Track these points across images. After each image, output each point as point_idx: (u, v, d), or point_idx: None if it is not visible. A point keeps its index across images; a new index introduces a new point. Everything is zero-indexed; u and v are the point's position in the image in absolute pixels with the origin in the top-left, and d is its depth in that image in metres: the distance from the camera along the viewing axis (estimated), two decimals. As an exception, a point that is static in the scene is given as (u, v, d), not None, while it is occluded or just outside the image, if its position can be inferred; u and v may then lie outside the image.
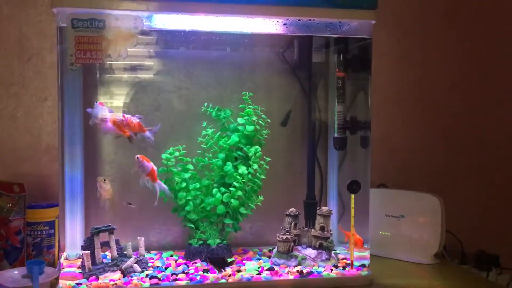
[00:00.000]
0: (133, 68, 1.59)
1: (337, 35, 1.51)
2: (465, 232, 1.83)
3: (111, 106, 1.57)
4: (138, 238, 1.45)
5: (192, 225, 1.54)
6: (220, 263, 1.42)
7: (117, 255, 1.39)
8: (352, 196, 1.43)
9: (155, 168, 1.46)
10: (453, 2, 1.92)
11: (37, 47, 1.63)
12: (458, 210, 1.84)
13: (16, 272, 1.34)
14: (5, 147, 1.61)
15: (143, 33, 1.38)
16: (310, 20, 1.39)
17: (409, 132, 1.90)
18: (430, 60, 1.91)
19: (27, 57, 1.62)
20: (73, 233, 1.48)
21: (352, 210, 1.43)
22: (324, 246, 1.49)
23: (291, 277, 1.38)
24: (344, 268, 1.45)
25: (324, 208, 1.52)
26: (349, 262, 1.46)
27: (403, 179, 1.85)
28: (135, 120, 1.45)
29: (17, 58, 1.62)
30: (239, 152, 1.57)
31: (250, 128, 1.56)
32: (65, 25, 1.25)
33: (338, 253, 1.58)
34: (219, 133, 1.58)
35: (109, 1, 1.26)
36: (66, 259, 1.38)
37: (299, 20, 1.39)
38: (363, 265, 1.46)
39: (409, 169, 1.89)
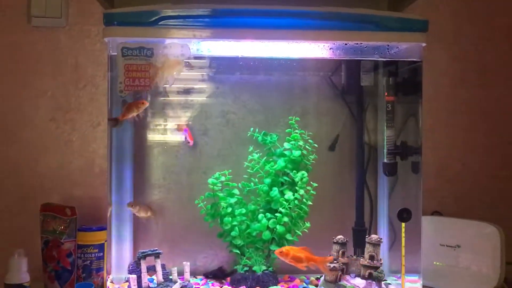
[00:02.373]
0: (181, 93, 1.62)
1: (386, 59, 1.47)
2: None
3: (160, 129, 1.62)
4: (184, 263, 1.45)
5: (238, 251, 1.52)
6: (220, 275, 1.43)
7: (162, 280, 1.40)
8: (403, 224, 1.37)
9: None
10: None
11: (91, 74, 1.69)
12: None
13: (66, 294, 1.38)
14: (60, 170, 1.68)
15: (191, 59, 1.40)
16: (357, 44, 1.37)
17: (468, 158, 1.81)
18: (491, 82, 1.82)
19: (82, 84, 1.69)
20: (120, 257, 1.50)
21: (403, 239, 1.37)
22: (374, 276, 1.43)
23: (338, 308, 1.33)
24: (395, 300, 1.38)
25: (374, 236, 1.47)
26: (401, 294, 1.39)
27: (460, 207, 1.75)
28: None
29: (73, 85, 1.69)
30: (285, 177, 1.55)
31: (296, 153, 1.54)
32: (115, 53, 1.29)
33: (389, 284, 1.52)
34: (265, 158, 1.57)
35: (157, 30, 1.30)
36: (112, 282, 1.40)
37: (345, 44, 1.37)
38: (415, 297, 1.39)
39: (467, 197, 1.80)
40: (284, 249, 1.40)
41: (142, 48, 1.29)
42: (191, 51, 1.32)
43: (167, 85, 1.31)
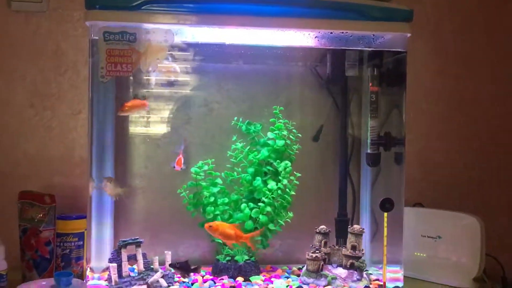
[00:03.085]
0: (164, 82, 1.60)
1: (371, 48, 1.47)
2: (507, 255, 1.72)
3: (142, 121, 1.59)
4: (165, 252, 1.43)
5: (220, 240, 1.51)
6: (185, 268, 1.42)
7: (143, 269, 1.38)
8: (385, 214, 1.38)
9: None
10: (495, 13, 1.85)
11: (73, 60, 1.66)
12: (500, 232, 1.75)
13: (44, 283, 1.35)
14: (39, 157, 1.64)
15: (174, 46, 1.38)
16: (342, 33, 1.36)
17: (448, 149, 1.83)
18: (470, 74, 1.84)
19: (63, 70, 1.66)
20: (100, 246, 1.48)
21: (385, 230, 1.37)
22: (356, 266, 1.43)
23: (320, 297, 1.33)
24: (376, 289, 1.39)
25: (356, 226, 1.47)
26: (382, 283, 1.40)
27: (440, 198, 1.77)
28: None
29: (54, 71, 1.66)
30: (268, 167, 1.54)
31: (280, 142, 1.53)
32: (97, 38, 1.26)
33: (371, 274, 1.52)
34: (248, 147, 1.56)
35: (140, 15, 1.27)
36: (91, 271, 1.38)
37: (331, 33, 1.36)
38: (396, 287, 1.39)
39: (448, 188, 1.82)
40: (213, 224, 1.40)
41: (125, 32, 1.26)
42: (174, 37, 1.29)
43: (150, 71, 1.28)
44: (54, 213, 1.47)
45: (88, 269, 1.38)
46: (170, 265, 1.43)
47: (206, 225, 1.40)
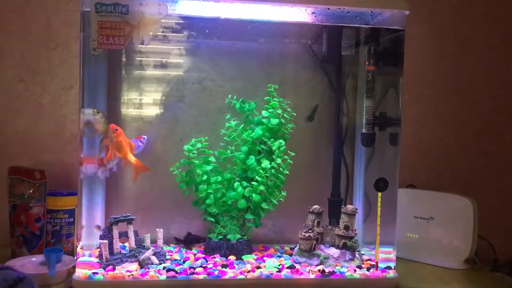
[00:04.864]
0: (157, 58, 1.57)
1: (369, 25, 1.45)
2: (499, 237, 1.73)
3: (134, 98, 1.56)
4: (157, 229, 1.42)
5: (212, 219, 1.50)
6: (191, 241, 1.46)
7: (135, 246, 1.37)
8: (379, 194, 1.37)
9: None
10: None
11: (64, 35, 1.62)
12: (492, 214, 1.75)
13: (34, 259, 1.34)
14: (29, 134, 1.62)
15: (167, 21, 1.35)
16: (340, 9, 1.34)
17: (442, 131, 1.82)
18: (466, 57, 1.83)
19: (54, 45, 1.62)
20: (91, 223, 1.46)
21: (379, 209, 1.37)
22: (348, 246, 1.43)
23: (312, 276, 1.33)
24: (368, 269, 1.38)
25: (349, 207, 1.47)
26: (374, 263, 1.39)
27: (434, 179, 1.77)
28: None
29: (44, 46, 1.62)
30: (262, 146, 1.53)
31: (274, 121, 1.52)
32: (89, 9, 1.23)
33: (363, 254, 1.52)
34: (242, 125, 1.54)
35: (133, -14, 1.24)
36: (81, 248, 1.37)
37: (328, 9, 1.34)
38: (388, 267, 1.39)
39: (441, 170, 1.82)
40: (119, 130, 1.41)
41: (117, 4, 1.23)
42: (168, 10, 1.26)
43: (143, 45, 1.25)
44: (44, 189, 1.45)
45: (79, 246, 1.37)
46: (183, 241, 1.45)
47: (112, 125, 1.40)
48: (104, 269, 1.28)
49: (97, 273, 1.26)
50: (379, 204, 1.37)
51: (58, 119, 1.63)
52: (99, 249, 1.34)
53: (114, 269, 1.29)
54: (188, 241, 1.52)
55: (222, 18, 1.43)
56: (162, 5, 1.25)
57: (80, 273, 1.26)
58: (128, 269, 1.29)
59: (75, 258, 1.34)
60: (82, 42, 1.28)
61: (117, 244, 1.34)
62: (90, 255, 1.38)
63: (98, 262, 1.32)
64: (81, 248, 1.36)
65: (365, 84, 1.50)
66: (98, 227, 1.44)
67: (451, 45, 1.81)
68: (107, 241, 1.32)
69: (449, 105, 1.83)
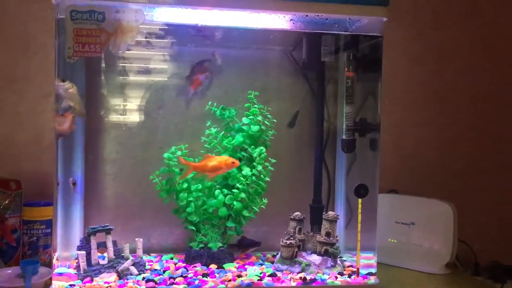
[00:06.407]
0: (137, 66, 1.55)
1: (347, 32, 1.45)
2: (479, 241, 1.74)
3: (114, 105, 1.54)
4: (136, 239, 1.40)
5: (193, 228, 1.49)
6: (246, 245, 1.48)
7: (114, 257, 1.35)
8: (360, 200, 1.37)
9: None
10: (471, 2, 1.85)
11: (41, 42, 1.60)
12: (472, 219, 1.76)
13: (9, 272, 1.31)
14: (6, 143, 1.59)
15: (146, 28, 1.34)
16: (318, 16, 1.34)
17: (423, 136, 1.83)
18: (446, 62, 1.84)
19: (32, 52, 1.60)
20: (69, 234, 1.43)
21: (359, 215, 1.37)
22: (330, 253, 1.43)
23: (293, 284, 1.32)
24: (350, 276, 1.38)
25: (331, 213, 1.46)
26: (356, 269, 1.39)
27: (415, 185, 1.78)
28: None
29: (22, 53, 1.60)
30: (243, 153, 1.52)
31: (255, 128, 1.51)
32: (64, 17, 1.21)
33: (345, 260, 1.52)
34: (223, 132, 1.53)
35: (110, -7, 1.23)
36: (57, 259, 1.34)
37: (306, 15, 1.34)
38: (370, 273, 1.39)
39: (422, 175, 1.82)
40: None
41: (93, 11, 1.21)
42: (145, 17, 1.25)
43: (120, 52, 1.24)
44: (20, 199, 1.42)
45: (54, 257, 1.34)
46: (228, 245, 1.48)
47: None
48: (82, 280, 1.26)
49: (74, 285, 1.24)
50: (359, 210, 1.37)
51: (35, 128, 1.60)
52: (76, 260, 1.31)
53: (92, 280, 1.26)
54: (242, 246, 1.51)
55: (200, 26, 1.42)
56: (139, 12, 1.24)
57: (57, 285, 1.23)
58: (107, 280, 1.27)
59: (52, 269, 1.31)
60: (57, 50, 1.26)
61: (95, 255, 1.32)
62: (68, 267, 1.36)
63: (76, 273, 1.30)
64: (57, 259, 1.33)
65: (345, 90, 1.50)
66: (74, 182, 1.40)
67: (431, 50, 1.83)
68: (84, 252, 1.30)
69: (429, 110, 1.84)
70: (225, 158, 1.43)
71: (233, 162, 1.43)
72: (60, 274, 1.29)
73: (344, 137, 1.51)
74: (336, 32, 1.48)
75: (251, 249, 1.51)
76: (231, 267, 1.42)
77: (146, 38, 1.51)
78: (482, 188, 1.87)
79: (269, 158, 1.50)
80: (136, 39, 1.27)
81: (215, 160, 1.42)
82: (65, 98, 1.30)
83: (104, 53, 1.27)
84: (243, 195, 1.46)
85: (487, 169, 1.88)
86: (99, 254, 1.34)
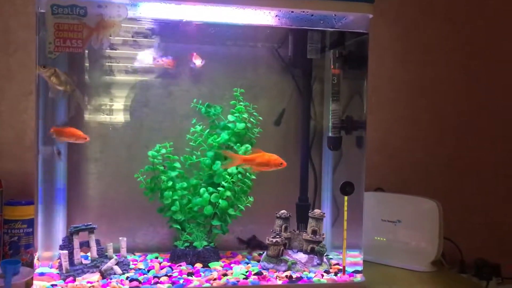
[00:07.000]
0: (121, 62, 1.53)
1: (333, 29, 1.45)
2: (465, 239, 1.75)
3: (98, 104, 1.52)
4: (120, 238, 1.38)
5: (178, 226, 1.47)
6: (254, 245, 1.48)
7: (97, 256, 1.33)
8: (346, 198, 1.36)
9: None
10: (455, 1, 1.86)
11: (23, 39, 1.57)
12: (458, 217, 1.77)
13: (-11, 272, 1.28)
14: (-14, 142, 1.56)
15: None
16: (303, 12, 1.33)
17: (408, 134, 1.83)
18: (431, 60, 1.85)
19: (13, 50, 1.57)
20: (51, 233, 1.40)
21: (345, 213, 1.36)
22: (316, 251, 1.42)
23: (279, 282, 1.31)
24: (336, 274, 1.37)
25: (317, 211, 1.45)
26: (342, 267, 1.38)
27: (401, 183, 1.78)
28: None
29: (2, 50, 1.57)
30: (229, 151, 1.51)
31: (240, 125, 1.50)
32: (44, 11, 1.19)
33: (331, 258, 1.51)
34: (208, 130, 1.52)
35: (91, -13, 1.21)
36: (37, 259, 1.31)
37: (292, 12, 1.33)
38: (356, 271, 1.39)
39: (408, 173, 1.83)
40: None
41: (75, 6, 1.19)
42: (128, 12, 1.23)
43: (102, 48, 1.22)
44: (1, 198, 1.39)
45: (35, 257, 1.31)
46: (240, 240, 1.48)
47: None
48: (64, 280, 1.24)
49: (56, 285, 1.21)
50: (345, 208, 1.36)
51: (17, 126, 1.57)
52: (59, 260, 1.29)
53: (74, 280, 1.24)
54: (251, 245, 1.50)
55: (185, 21, 1.40)
56: (121, 7, 1.22)
57: (38, 285, 1.21)
58: (89, 280, 1.25)
59: (34, 269, 1.29)
60: (38, 45, 1.24)
61: (78, 254, 1.30)
62: (51, 266, 1.33)
63: (58, 273, 1.27)
64: (37, 259, 1.31)
65: (331, 87, 1.49)
66: (59, 152, 1.37)
67: (416, 48, 1.83)
68: (67, 251, 1.27)
69: (414, 108, 1.84)
70: (274, 157, 1.40)
71: (281, 163, 1.40)
72: (42, 274, 1.27)
73: (330, 134, 1.50)
74: (322, 29, 1.48)
75: (258, 251, 1.51)
76: (217, 266, 1.40)
77: (131, 36, 1.49)
78: (468, 186, 1.88)
79: (255, 156, 1.49)
80: (118, 37, 1.24)
81: (264, 157, 1.40)
82: (51, 84, 1.28)
83: (87, 50, 1.25)
84: (228, 193, 1.45)
85: (473, 166, 1.88)
86: (82, 254, 1.32)
